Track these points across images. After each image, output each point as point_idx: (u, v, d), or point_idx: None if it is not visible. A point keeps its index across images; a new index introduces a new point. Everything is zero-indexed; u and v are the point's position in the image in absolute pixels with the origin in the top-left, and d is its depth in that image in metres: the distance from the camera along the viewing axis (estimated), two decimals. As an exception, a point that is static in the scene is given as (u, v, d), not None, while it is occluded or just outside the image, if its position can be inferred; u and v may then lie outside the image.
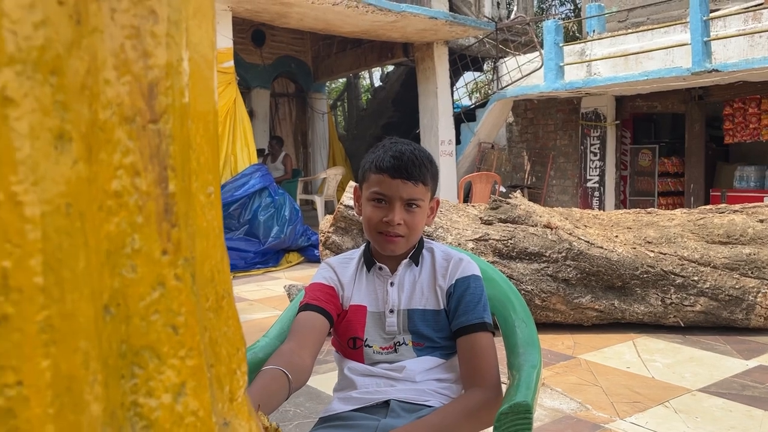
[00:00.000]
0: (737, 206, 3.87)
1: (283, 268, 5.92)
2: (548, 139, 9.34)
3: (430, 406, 1.12)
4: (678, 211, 3.97)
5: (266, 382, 1.00)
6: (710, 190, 8.00)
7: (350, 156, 11.06)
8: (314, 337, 1.13)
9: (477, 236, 3.56)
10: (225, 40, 6.12)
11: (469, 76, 10.84)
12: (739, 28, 6.73)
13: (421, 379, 1.16)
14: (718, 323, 3.45)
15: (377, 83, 14.23)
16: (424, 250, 1.24)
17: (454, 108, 8.89)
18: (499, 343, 1.20)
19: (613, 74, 7.51)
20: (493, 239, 3.54)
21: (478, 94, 11.30)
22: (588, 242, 3.49)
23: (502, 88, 8.68)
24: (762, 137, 7.34)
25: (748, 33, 6.54)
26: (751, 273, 3.43)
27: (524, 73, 8.40)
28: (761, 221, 3.60)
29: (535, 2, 15.46)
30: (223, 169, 6.00)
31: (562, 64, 7.78)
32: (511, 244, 3.52)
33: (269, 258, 5.89)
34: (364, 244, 1.27)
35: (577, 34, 12.86)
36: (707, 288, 3.41)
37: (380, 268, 1.22)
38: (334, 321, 1.20)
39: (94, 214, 0.37)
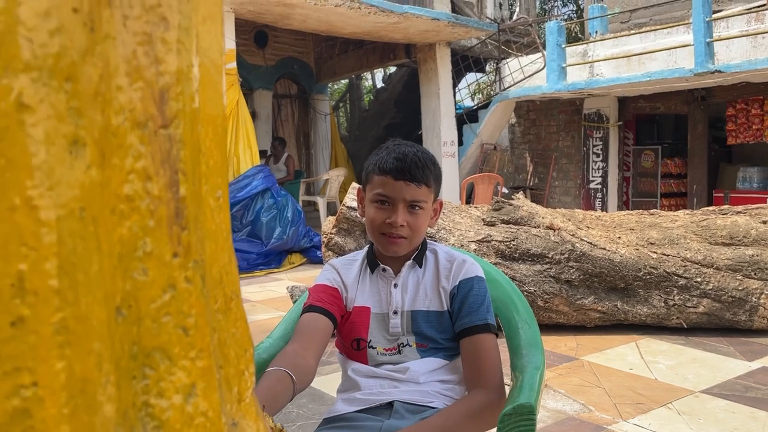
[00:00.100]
0: (740, 207, 3.87)
1: (285, 269, 5.93)
2: (551, 141, 9.34)
3: (433, 408, 1.13)
4: (681, 213, 3.97)
5: (271, 383, 1.00)
6: (713, 191, 7.99)
7: (352, 157, 11.07)
8: (318, 338, 1.13)
9: (480, 237, 3.56)
10: (228, 41, 6.13)
11: (471, 77, 10.84)
12: (742, 29, 6.72)
13: (425, 380, 1.16)
14: (721, 325, 3.45)
15: (379, 84, 14.25)
16: (427, 252, 1.25)
17: (456, 109, 8.90)
18: (502, 344, 1.21)
19: (615, 75, 7.51)
20: (496, 240, 3.55)
21: (480, 96, 11.30)
22: (591, 244, 3.49)
23: (505, 90, 8.68)
24: (765, 138, 7.33)
25: (751, 34, 6.53)
26: (755, 274, 3.43)
27: (527, 74, 8.40)
28: (764, 222, 3.60)
29: (538, 3, 15.46)
30: (225, 171, 6.00)
31: (564, 65, 7.78)
32: (513, 245, 3.52)
33: (272, 259, 5.90)
34: (368, 246, 1.27)
35: (580, 35, 12.85)
36: (710, 289, 3.41)
37: (384, 270, 1.23)
38: (338, 322, 1.20)
39: (106, 218, 0.37)
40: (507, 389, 1.14)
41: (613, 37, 8.09)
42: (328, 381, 2.62)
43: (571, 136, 9.05)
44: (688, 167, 8.07)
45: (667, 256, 3.50)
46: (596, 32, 8.91)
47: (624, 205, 8.70)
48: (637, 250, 3.52)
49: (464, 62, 9.28)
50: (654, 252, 3.52)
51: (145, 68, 0.40)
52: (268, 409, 0.92)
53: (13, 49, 0.33)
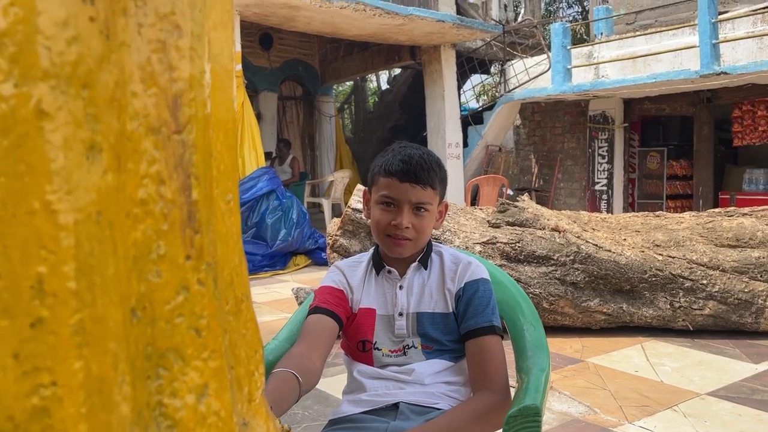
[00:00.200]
0: (746, 209, 3.85)
1: (290, 271, 5.94)
2: (556, 142, 9.33)
3: (439, 409, 1.13)
4: (687, 215, 3.96)
5: (277, 384, 1.01)
6: (719, 193, 7.96)
7: (357, 159, 11.09)
8: (324, 340, 1.14)
9: (485, 239, 3.57)
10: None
11: (476, 78, 10.85)
12: (747, 31, 6.70)
13: (430, 381, 1.17)
14: (727, 327, 3.44)
15: (384, 86, 14.25)
16: (432, 254, 1.25)
17: (461, 111, 8.89)
18: (507, 346, 1.21)
19: (621, 77, 7.49)
20: (501, 242, 3.55)
21: (485, 97, 11.30)
22: (596, 245, 3.49)
23: (510, 91, 8.68)
24: (771, 140, 7.31)
25: (757, 35, 6.51)
26: (761, 276, 3.41)
27: (532, 76, 8.40)
28: (770, 225, 3.59)
29: (543, 5, 15.45)
30: (231, 172, 6.02)
31: (569, 66, 7.77)
32: (518, 247, 3.52)
33: (277, 261, 5.91)
34: (373, 248, 1.28)
35: (585, 37, 12.84)
36: (716, 292, 3.40)
37: (389, 272, 1.23)
38: (344, 324, 1.21)
39: (122, 221, 0.38)
40: (512, 391, 1.14)
41: (619, 39, 8.07)
42: (333, 382, 2.62)
43: (577, 137, 9.04)
44: (694, 169, 8.04)
45: (673, 258, 3.49)
46: (601, 34, 8.90)
47: (629, 206, 8.68)
48: (643, 252, 3.52)
49: (469, 64, 9.28)
50: (660, 254, 3.51)
51: (159, 75, 0.41)
52: (275, 410, 0.92)
53: (33, 57, 0.34)
